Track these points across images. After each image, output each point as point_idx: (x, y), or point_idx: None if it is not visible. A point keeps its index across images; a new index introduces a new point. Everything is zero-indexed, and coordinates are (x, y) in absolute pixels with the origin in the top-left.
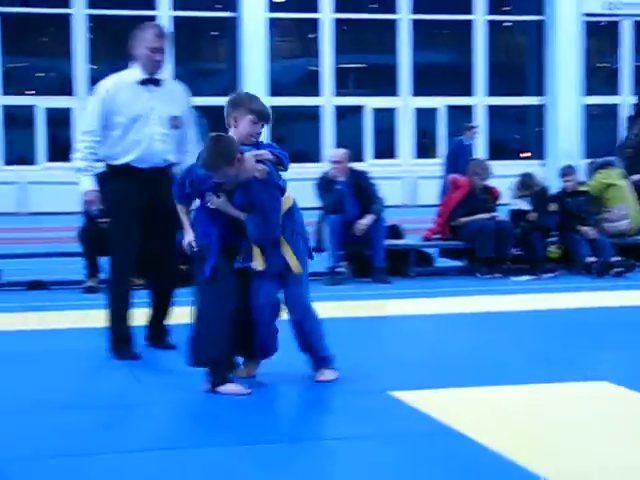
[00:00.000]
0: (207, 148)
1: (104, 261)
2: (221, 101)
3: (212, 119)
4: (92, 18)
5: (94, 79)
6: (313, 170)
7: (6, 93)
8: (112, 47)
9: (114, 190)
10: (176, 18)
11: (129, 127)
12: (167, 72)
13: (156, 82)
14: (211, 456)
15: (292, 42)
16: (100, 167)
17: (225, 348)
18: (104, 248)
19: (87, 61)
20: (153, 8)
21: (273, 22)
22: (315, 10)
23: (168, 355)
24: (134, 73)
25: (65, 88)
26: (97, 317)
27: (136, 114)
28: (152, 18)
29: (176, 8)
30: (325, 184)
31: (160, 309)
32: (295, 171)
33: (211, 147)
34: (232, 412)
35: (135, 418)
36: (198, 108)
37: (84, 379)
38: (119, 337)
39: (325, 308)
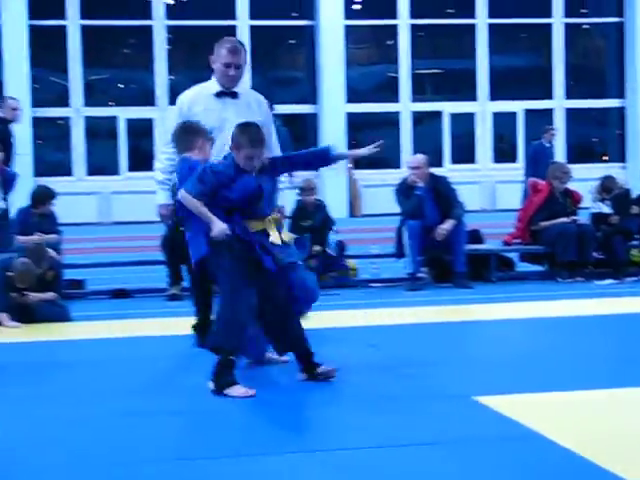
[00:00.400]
0: (249, 132)
1: (187, 269)
2: (300, 109)
3: (291, 126)
4: (171, 29)
5: (174, 90)
6: (392, 176)
7: (88, 105)
8: (191, 57)
9: None
10: (254, 27)
11: None
12: (246, 82)
13: (233, 94)
14: (293, 463)
15: (369, 49)
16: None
17: (242, 341)
18: (186, 256)
19: (167, 72)
20: (232, 18)
21: (350, 29)
22: (392, 16)
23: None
24: (212, 85)
25: (146, 99)
26: (180, 325)
27: (210, 126)
28: (231, 28)
29: (254, 17)
30: (404, 190)
31: None
32: (374, 177)
33: (253, 130)
34: (306, 417)
35: (216, 424)
36: (277, 116)
37: (166, 385)
38: None
39: (406, 314)
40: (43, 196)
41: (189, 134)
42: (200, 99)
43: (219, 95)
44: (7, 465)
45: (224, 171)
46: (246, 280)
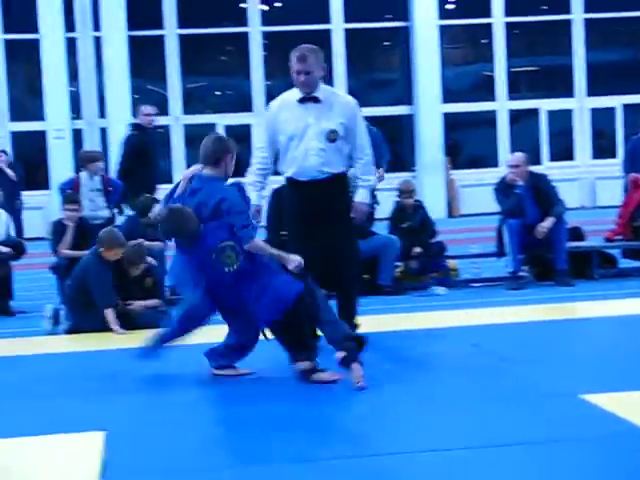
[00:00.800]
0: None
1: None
2: (395, 110)
3: (386, 128)
4: (267, 35)
5: (270, 95)
6: (490, 175)
7: (186, 112)
8: (287, 63)
9: (287, 202)
10: (349, 30)
11: (288, 144)
12: (341, 85)
13: (315, 99)
14: (403, 462)
15: (464, 48)
16: (268, 181)
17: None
18: None
19: (263, 78)
20: (326, 22)
21: (444, 29)
22: (486, 15)
23: None
24: (296, 92)
25: (243, 105)
26: None
27: (293, 132)
28: (325, 32)
29: (348, 21)
30: (504, 188)
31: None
32: (472, 177)
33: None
34: (410, 416)
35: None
36: (372, 119)
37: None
38: None
39: (507, 313)
40: (150, 207)
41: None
42: (286, 106)
43: (302, 101)
44: (176, 464)
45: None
46: None
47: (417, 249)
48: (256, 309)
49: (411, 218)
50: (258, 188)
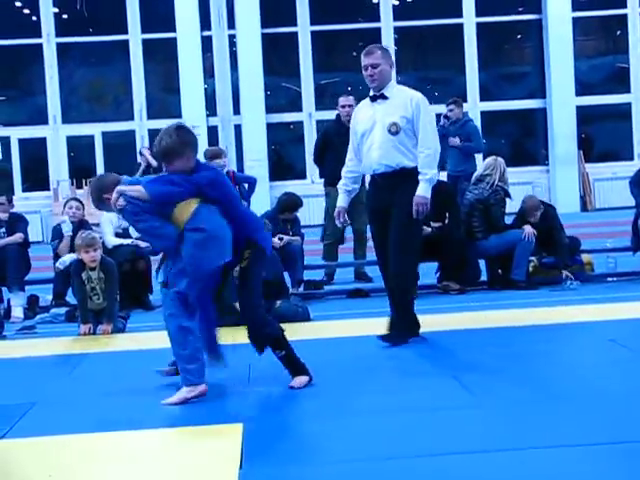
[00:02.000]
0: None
1: (423, 267)
2: (528, 104)
3: (520, 122)
4: (398, 30)
5: None
6: (625, 169)
7: (319, 109)
8: (417, 58)
9: (367, 194)
10: (480, 24)
11: (360, 141)
12: (474, 78)
13: (383, 97)
14: (526, 458)
15: (598, 40)
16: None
17: None
18: (422, 254)
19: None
20: (459, 16)
21: (577, 21)
22: (621, 6)
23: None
24: (370, 93)
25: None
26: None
27: (364, 130)
28: (458, 26)
29: (480, 15)
30: (639, 182)
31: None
32: (606, 170)
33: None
34: (532, 414)
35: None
36: (505, 112)
37: (405, 382)
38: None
39: None
40: (292, 205)
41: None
42: (362, 107)
43: (373, 99)
44: (316, 455)
45: None
46: None
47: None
48: None
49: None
50: (343, 190)
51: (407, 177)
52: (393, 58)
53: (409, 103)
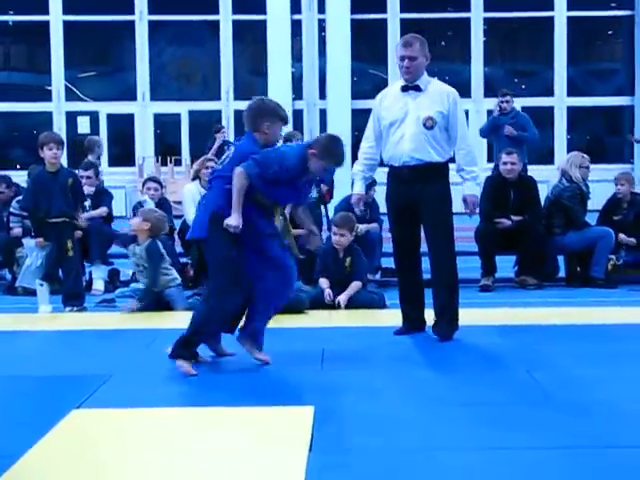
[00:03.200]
0: (337, 145)
1: (501, 260)
2: (616, 101)
3: (607, 119)
4: (487, 21)
5: (488, 82)
6: None
7: (354, 98)
8: (506, 49)
9: (387, 189)
10: (571, 18)
11: (388, 130)
12: (562, 74)
13: (416, 88)
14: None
15: None
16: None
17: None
18: (500, 247)
19: (482, 64)
20: (550, 9)
21: None
22: None
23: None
24: (400, 82)
25: (461, 91)
26: (493, 315)
27: (394, 118)
28: (549, 19)
29: (571, 8)
30: None
31: (436, 302)
32: None
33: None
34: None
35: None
36: (592, 108)
37: (481, 376)
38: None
39: None
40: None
41: (258, 116)
42: (389, 94)
43: (404, 89)
44: (382, 442)
45: (294, 168)
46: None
47: (631, 240)
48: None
49: (625, 212)
50: (360, 177)
51: (436, 172)
52: (479, 49)
53: (446, 99)
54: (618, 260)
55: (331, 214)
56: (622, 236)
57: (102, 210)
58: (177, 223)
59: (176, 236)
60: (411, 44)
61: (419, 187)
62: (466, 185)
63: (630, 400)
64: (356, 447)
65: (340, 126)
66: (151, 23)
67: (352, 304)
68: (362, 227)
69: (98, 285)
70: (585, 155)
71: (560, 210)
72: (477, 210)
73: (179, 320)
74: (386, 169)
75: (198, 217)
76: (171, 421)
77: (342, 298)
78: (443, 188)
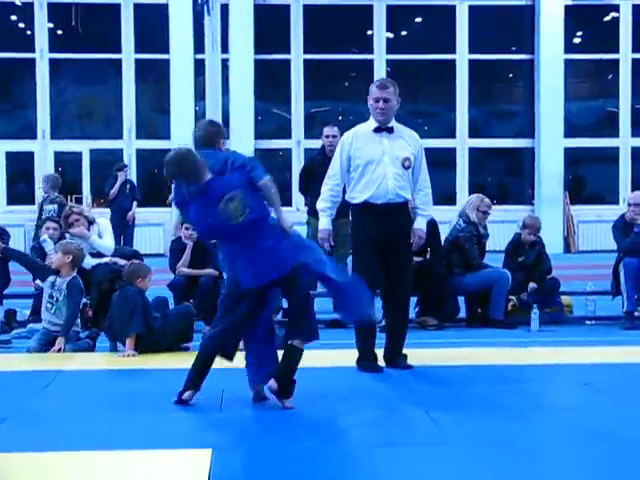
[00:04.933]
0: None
1: None
2: (517, 143)
3: (508, 160)
4: (391, 63)
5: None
6: (610, 212)
7: (307, 137)
8: (409, 90)
9: (356, 226)
10: (472, 61)
11: (364, 169)
12: (464, 114)
13: (389, 130)
14: None
15: (589, 83)
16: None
17: None
18: None
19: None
20: (452, 52)
21: (569, 63)
22: (613, 51)
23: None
24: (370, 123)
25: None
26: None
27: (370, 157)
28: (451, 62)
29: (472, 52)
30: (623, 226)
31: (396, 335)
32: (591, 213)
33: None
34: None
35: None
36: (493, 150)
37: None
38: (365, 355)
39: (621, 353)
40: None
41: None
42: (361, 135)
43: (376, 130)
44: None
45: None
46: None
47: (532, 284)
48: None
49: (527, 253)
50: (328, 214)
51: (406, 210)
52: None
53: (414, 141)
54: (519, 301)
55: None
56: (532, 285)
57: None
58: None
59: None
60: (386, 87)
61: (394, 223)
62: (419, 220)
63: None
64: None
65: None
66: (52, 61)
67: None
68: None
69: None
70: (485, 199)
71: (458, 251)
72: (422, 243)
73: (79, 362)
74: None
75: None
76: (67, 466)
77: None
78: (410, 225)
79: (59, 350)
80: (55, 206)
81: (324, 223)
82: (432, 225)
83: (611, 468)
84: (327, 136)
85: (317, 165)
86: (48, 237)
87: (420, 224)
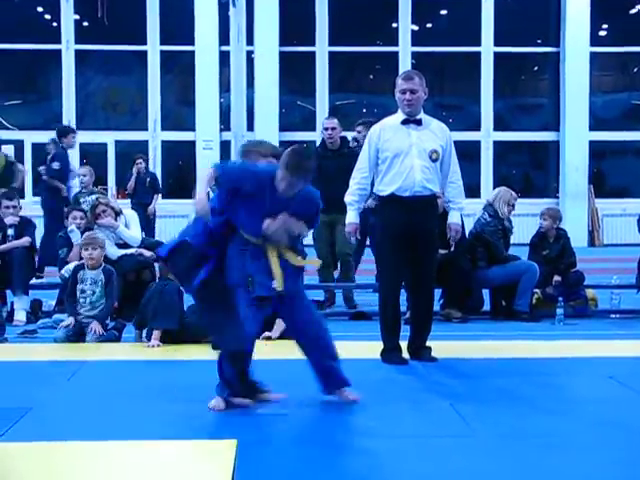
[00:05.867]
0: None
1: None
2: (542, 136)
3: (533, 154)
4: (416, 55)
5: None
6: (635, 205)
7: (282, 130)
8: (433, 83)
9: (382, 219)
10: (498, 54)
11: (392, 161)
12: (489, 107)
13: (417, 122)
14: None
15: (614, 76)
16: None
17: None
18: None
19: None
20: (477, 44)
21: (595, 56)
22: (639, 44)
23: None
24: (398, 115)
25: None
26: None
27: (398, 150)
28: (476, 54)
29: (498, 44)
30: None
31: (421, 327)
32: (616, 206)
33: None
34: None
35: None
36: (518, 143)
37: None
38: (390, 348)
39: None
40: None
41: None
42: (388, 127)
43: (404, 122)
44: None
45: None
46: None
47: (557, 278)
48: None
49: (552, 246)
50: (355, 207)
51: (434, 203)
52: None
53: (443, 134)
54: (544, 294)
55: None
56: (556, 278)
57: (25, 240)
58: None
59: None
60: (412, 78)
61: (421, 217)
62: (452, 214)
63: (546, 431)
64: None
65: None
66: (78, 52)
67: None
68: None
69: (20, 316)
70: (513, 193)
71: (482, 244)
72: (458, 237)
73: (104, 352)
74: None
75: None
76: (91, 455)
77: (274, 334)
78: (436, 219)
79: (96, 332)
80: (94, 197)
81: (351, 217)
82: None
83: (636, 461)
84: (326, 128)
85: (319, 158)
86: (75, 227)
87: (454, 218)
